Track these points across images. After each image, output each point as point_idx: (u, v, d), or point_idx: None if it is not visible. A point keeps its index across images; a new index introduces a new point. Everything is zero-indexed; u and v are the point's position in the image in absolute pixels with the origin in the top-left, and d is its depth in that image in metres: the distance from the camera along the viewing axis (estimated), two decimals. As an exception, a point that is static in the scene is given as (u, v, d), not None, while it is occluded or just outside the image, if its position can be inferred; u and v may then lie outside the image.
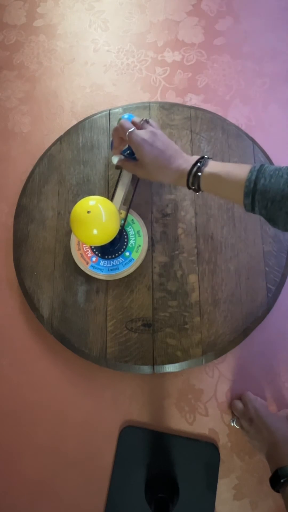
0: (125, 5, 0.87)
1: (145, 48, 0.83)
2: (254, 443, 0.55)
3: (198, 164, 0.51)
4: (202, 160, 0.51)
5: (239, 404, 0.58)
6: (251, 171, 0.45)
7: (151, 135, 0.53)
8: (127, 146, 0.64)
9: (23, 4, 0.90)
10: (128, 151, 0.64)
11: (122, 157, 0.60)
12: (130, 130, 0.54)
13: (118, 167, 0.62)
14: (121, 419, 0.61)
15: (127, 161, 0.59)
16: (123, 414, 0.61)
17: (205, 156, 0.52)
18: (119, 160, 0.60)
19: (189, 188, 0.53)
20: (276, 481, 0.47)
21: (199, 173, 0.50)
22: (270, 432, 0.52)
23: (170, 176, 0.54)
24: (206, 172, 0.50)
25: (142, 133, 0.54)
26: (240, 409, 0.57)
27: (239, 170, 0.46)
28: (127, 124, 0.55)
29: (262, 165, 0.45)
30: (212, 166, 0.50)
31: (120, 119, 0.57)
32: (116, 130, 0.57)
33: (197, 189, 0.52)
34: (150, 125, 0.56)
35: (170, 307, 0.62)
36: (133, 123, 0.56)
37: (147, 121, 0.57)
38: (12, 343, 0.66)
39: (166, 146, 0.53)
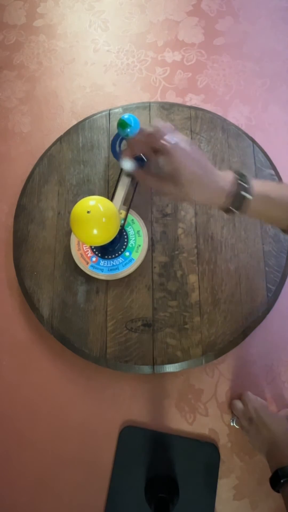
0: (125, 5, 0.87)
1: (145, 48, 0.83)
2: (254, 443, 0.55)
3: (242, 183, 0.44)
4: (243, 179, 0.44)
5: (239, 404, 0.58)
6: None
7: (190, 146, 0.44)
8: (127, 146, 0.64)
9: (23, 4, 0.90)
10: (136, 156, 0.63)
11: (134, 164, 0.51)
12: (174, 142, 0.44)
13: (130, 174, 0.52)
14: (121, 419, 0.61)
15: (148, 174, 0.49)
16: (123, 414, 0.61)
17: (242, 173, 0.45)
18: (136, 171, 0.50)
19: (228, 211, 0.45)
20: (276, 481, 0.47)
21: (247, 195, 0.43)
22: (270, 432, 0.52)
23: (208, 195, 0.45)
24: (255, 193, 0.43)
25: (182, 144, 0.44)
26: (240, 409, 0.57)
27: (282, 188, 0.42)
28: (166, 129, 0.45)
29: None
30: (258, 186, 0.44)
31: (120, 118, 0.57)
32: (148, 136, 0.47)
33: (239, 212, 0.45)
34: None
35: (170, 307, 0.62)
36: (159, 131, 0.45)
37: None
38: (12, 343, 0.66)
39: (206, 161, 0.45)
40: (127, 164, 0.50)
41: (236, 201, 0.44)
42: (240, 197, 0.44)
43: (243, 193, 0.43)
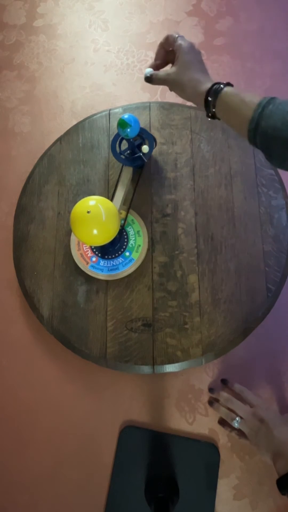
0: (125, 5, 0.87)
1: (145, 48, 0.83)
2: (260, 444, 0.53)
3: (217, 85, 0.49)
4: (218, 85, 0.49)
5: (245, 406, 0.57)
6: (264, 98, 0.44)
7: (194, 48, 0.54)
8: (127, 146, 0.64)
9: (23, 4, 0.90)
10: (129, 151, 0.64)
11: (152, 71, 0.58)
12: (179, 35, 0.54)
13: (148, 80, 0.58)
14: (121, 419, 0.61)
15: (160, 73, 0.57)
16: (123, 414, 0.61)
17: (223, 83, 0.50)
18: (153, 74, 0.57)
19: (205, 103, 0.50)
20: (285, 484, 0.46)
21: (219, 92, 0.48)
22: (281, 433, 0.51)
23: (194, 87, 0.51)
24: (224, 91, 0.48)
25: (189, 43, 0.54)
26: (247, 410, 0.56)
27: (253, 96, 0.45)
28: (173, 33, 0.55)
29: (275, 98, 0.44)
30: (229, 91, 0.48)
31: (120, 118, 0.57)
32: (161, 44, 0.56)
33: (210, 114, 0.50)
34: None
35: (170, 307, 0.62)
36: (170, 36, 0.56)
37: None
38: (12, 343, 0.66)
39: (202, 62, 0.54)
40: (148, 71, 0.57)
41: (206, 105, 0.50)
42: (208, 102, 0.49)
43: (209, 98, 0.49)
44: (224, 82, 0.49)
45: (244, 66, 0.79)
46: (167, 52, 0.57)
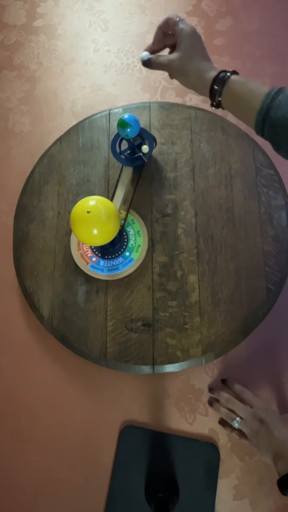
0: (125, 5, 0.87)
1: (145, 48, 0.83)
2: (261, 445, 0.53)
3: (223, 73, 0.47)
4: (223, 75, 0.48)
5: (244, 406, 0.57)
6: (273, 88, 0.43)
7: (196, 33, 0.52)
8: (127, 146, 0.64)
9: (23, 4, 0.90)
10: (129, 151, 0.64)
11: (149, 55, 0.55)
12: (180, 18, 0.51)
13: (146, 64, 0.56)
14: (121, 419, 0.61)
15: (161, 57, 0.53)
16: (123, 414, 0.61)
17: (228, 71, 0.48)
18: (153, 58, 0.54)
19: (211, 92, 0.49)
20: (285, 484, 0.46)
21: (225, 81, 0.46)
22: (281, 434, 0.51)
23: (199, 75, 0.50)
24: (231, 80, 0.46)
25: (190, 27, 0.51)
26: (247, 410, 0.56)
27: (261, 86, 0.45)
28: (173, 15, 0.52)
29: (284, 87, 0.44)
30: (237, 79, 0.47)
31: (120, 118, 0.57)
32: (160, 27, 0.54)
33: (215, 104, 0.49)
34: None
35: (170, 307, 0.62)
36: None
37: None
38: (12, 343, 0.66)
39: (203, 48, 0.51)
40: (145, 55, 0.55)
41: (212, 94, 0.48)
42: (214, 91, 0.48)
43: (215, 87, 0.47)
44: (230, 70, 0.48)
45: (244, 66, 0.79)
46: (166, 35, 0.54)
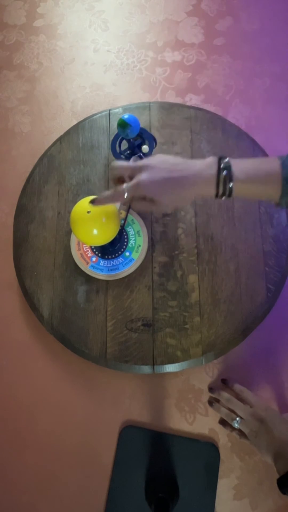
0: (125, 5, 0.87)
1: (145, 48, 0.83)
2: (261, 444, 0.53)
3: (225, 171, 0.44)
4: (224, 164, 0.45)
5: (245, 406, 0.57)
6: (283, 166, 0.43)
7: (146, 172, 0.46)
8: (127, 146, 0.64)
9: (23, 4, 0.90)
10: (129, 151, 0.64)
11: (122, 206, 0.56)
12: (125, 187, 0.47)
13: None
14: (121, 419, 0.61)
15: (138, 202, 0.50)
16: (123, 414, 0.61)
17: (222, 158, 0.45)
18: (128, 202, 0.51)
19: (217, 197, 0.46)
20: (285, 484, 0.46)
21: (231, 184, 0.44)
22: (281, 433, 0.51)
23: (192, 195, 0.48)
24: (238, 179, 0.44)
25: (138, 180, 0.46)
26: (248, 410, 0.56)
27: (269, 166, 0.44)
28: (118, 190, 0.48)
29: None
30: (241, 170, 0.45)
31: (120, 118, 0.57)
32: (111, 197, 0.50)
33: (228, 197, 0.46)
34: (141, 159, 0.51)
35: (170, 307, 0.62)
36: (123, 176, 0.49)
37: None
38: (12, 343, 0.66)
39: (169, 169, 0.46)
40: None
41: (222, 189, 0.45)
42: (225, 184, 0.45)
43: (226, 179, 0.44)
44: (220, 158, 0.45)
45: (244, 66, 0.79)
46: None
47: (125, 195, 0.47)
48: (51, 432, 0.62)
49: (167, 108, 0.73)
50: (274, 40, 0.81)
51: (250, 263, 0.63)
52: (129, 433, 0.60)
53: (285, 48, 0.80)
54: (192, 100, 0.77)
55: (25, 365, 0.65)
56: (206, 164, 0.46)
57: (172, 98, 0.78)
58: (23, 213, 0.70)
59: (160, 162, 0.47)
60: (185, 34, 0.83)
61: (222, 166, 0.45)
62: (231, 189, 0.45)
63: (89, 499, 0.59)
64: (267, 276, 0.62)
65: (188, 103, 0.77)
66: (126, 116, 0.57)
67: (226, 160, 0.45)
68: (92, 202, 0.51)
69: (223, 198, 0.46)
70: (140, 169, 0.47)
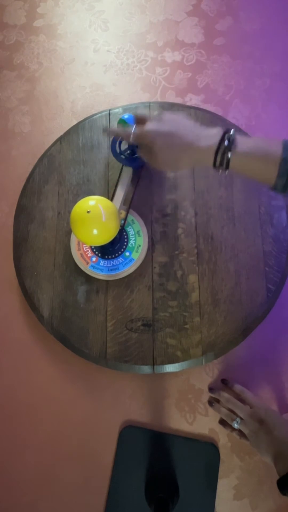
0: (125, 5, 0.87)
1: (145, 48, 0.83)
2: (261, 445, 0.53)
3: (226, 141, 0.45)
4: (228, 136, 0.46)
5: (245, 406, 0.57)
6: (284, 147, 0.43)
7: (156, 122, 0.50)
8: (127, 146, 0.64)
9: (23, 4, 0.90)
10: (129, 151, 0.64)
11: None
12: (132, 131, 0.51)
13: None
14: (121, 419, 0.61)
15: (143, 149, 0.53)
16: (123, 414, 0.61)
17: (231, 131, 0.46)
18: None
19: (215, 167, 0.48)
20: (285, 484, 0.46)
21: (229, 153, 0.45)
22: (281, 433, 0.51)
23: (190, 159, 0.49)
24: (238, 152, 0.45)
25: (146, 127, 0.50)
26: (247, 410, 0.56)
27: (271, 145, 0.44)
28: (127, 128, 0.52)
29: None
30: (243, 143, 0.46)
31: (120, 118, 0.57)
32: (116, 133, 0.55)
33: (225, 169, 0.47)
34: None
35: (170, 307, 0.62)
36: (137, 120, 0.54)
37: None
38: (12, 343, 0.66)
39: (176, 127, 0.49)
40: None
41: (220, 158, 0.46)
42: (224, 155, 0.46)
43: (226, 151, 0.46)
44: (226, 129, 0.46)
45: (244, 66, 0.79)
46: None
47: (131, 138, 0.52)
48: (51, 432, 0.62)
49: (167, 108, 0.73)
50: (274, 40, 0.81)
51: (250, 263, 0.63)
52: (129, 433, 0.60)
53: (285, 48, 0.80)
54: (192, 100, 0.77)
55: (25, 365, 0.65)
56: (211, 132, 0.48)
57: (172, 98, 0.78)
58: (23, 213, 0.70)
59: (170, 120, 0.50)
60: (185, 34, 0.83)
61: (226, 136, 0.46)
62: (228, 160, 0.46)
63: (89, 499, 0.59)
64: (267, 276, 0.62)
65: (188, 103, 0.77)
66: (126, 116, 0.57)
67: (232, 132, 0.46)
68: (104, 130, 0.60)
69: (221, 171, 0.47)
70: (151, 119, 0.51)
